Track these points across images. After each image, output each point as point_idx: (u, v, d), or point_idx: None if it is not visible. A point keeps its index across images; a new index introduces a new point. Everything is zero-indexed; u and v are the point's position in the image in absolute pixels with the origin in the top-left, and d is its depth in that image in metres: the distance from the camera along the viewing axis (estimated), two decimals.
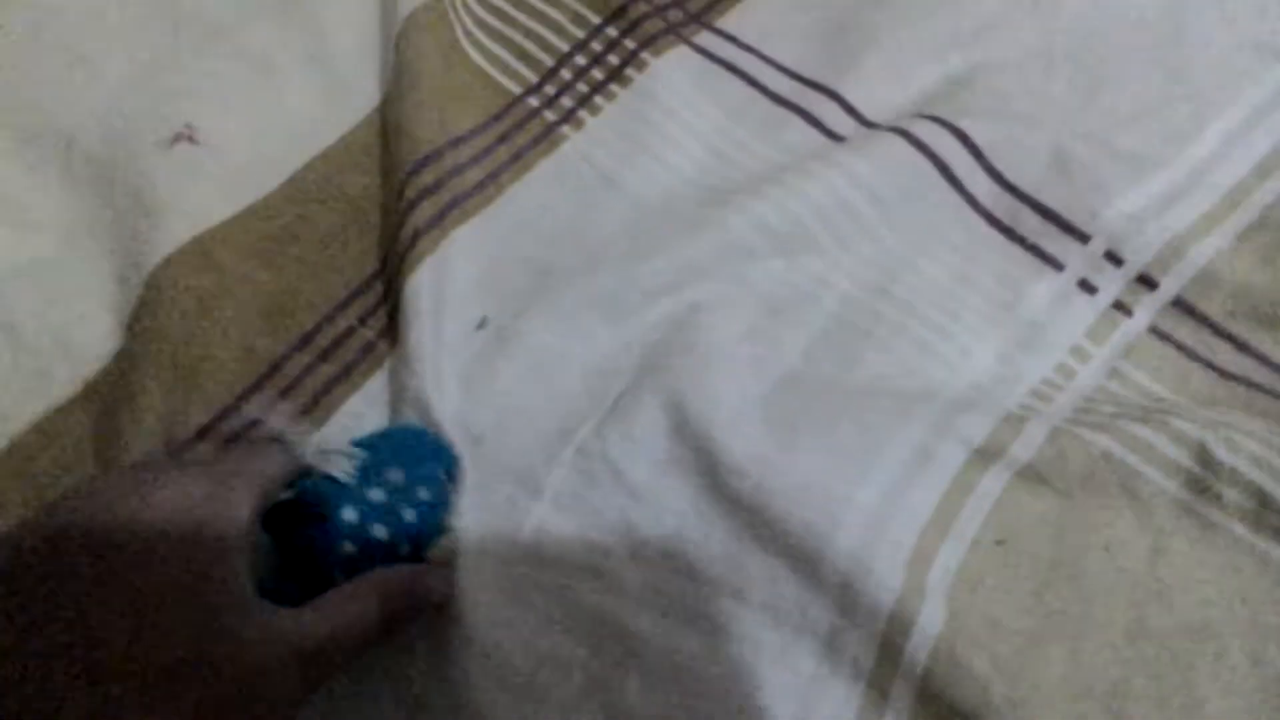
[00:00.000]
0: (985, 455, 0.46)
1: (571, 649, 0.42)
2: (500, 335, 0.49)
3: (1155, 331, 0.51)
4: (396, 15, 0.58)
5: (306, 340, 0.49)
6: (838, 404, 0.47)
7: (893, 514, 0.44)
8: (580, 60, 0.60)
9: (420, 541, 0.43)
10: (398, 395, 0.48)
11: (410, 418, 0.46)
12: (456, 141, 0.55)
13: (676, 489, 0.45)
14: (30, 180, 0.52)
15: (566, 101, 0.58)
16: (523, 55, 0.60)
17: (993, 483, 0.45)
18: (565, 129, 0.57)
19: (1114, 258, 0.52)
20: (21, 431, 0.46)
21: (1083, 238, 0.52)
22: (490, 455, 0.46)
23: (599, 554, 0.44)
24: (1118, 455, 0.45)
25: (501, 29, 0.61)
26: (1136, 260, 0.51)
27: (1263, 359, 0.49)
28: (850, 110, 0.58)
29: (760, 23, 0.62)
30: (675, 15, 0.62)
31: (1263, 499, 0.43)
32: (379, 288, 0.52)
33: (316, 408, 0.47)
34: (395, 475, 0.42)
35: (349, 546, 0.40)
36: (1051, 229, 0.53)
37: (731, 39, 0.61)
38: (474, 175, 0.54)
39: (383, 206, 0.54)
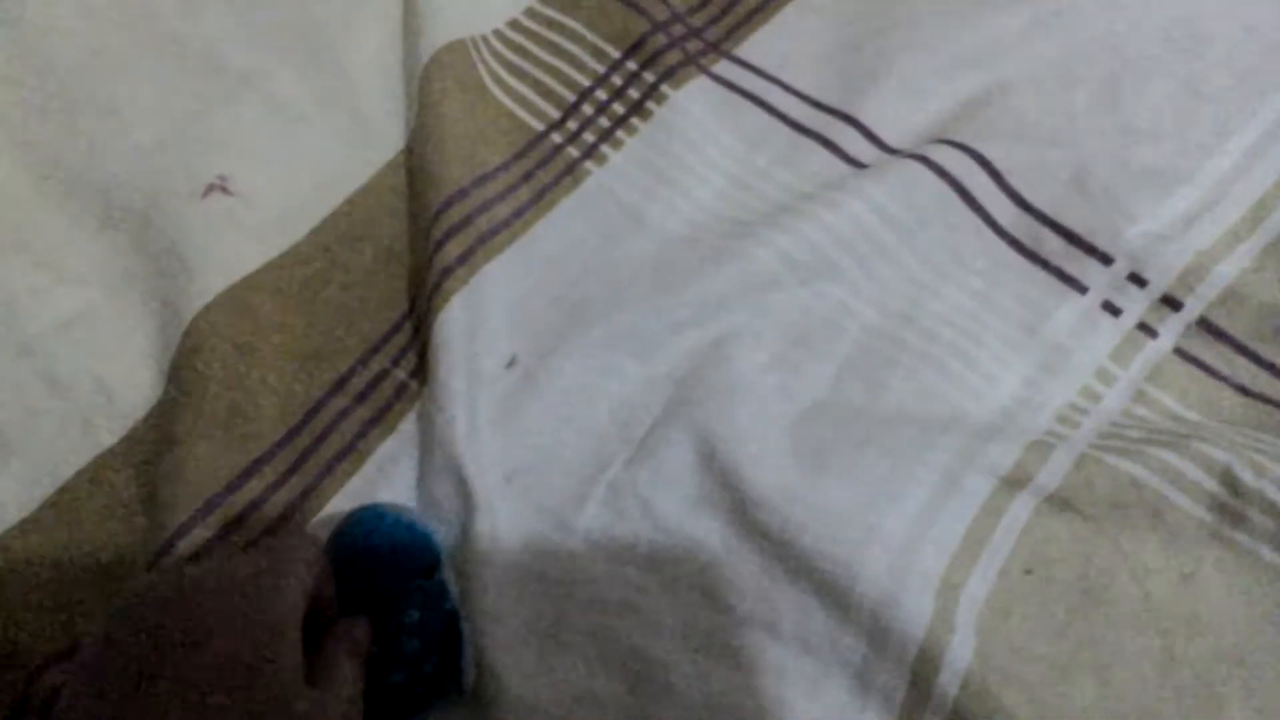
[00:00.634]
0: (1012, 483, 0.46)
1: (608, 688, 0.43)
2: (529, 373, 0.50)
3: (1180, 352, 0.51)
4: (419, 56, 0.59)
5: (341, 384, 0.50)
6: (863, 433, 0.48)
7: (920, 544, 0.44)
8: (601, 95, 0.60)
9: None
10: (427, 433, 0.49)
11: (439, 458, 0.47)
12: (482, 179, 0.56)
13: (707, 524, 0.46)
14: (71, 233, 0.54)
15: (589, 137, 0.59)
16: (545, 92, 0.61)
17: (1020, 510, 0.46)
18: (588, 164, 0.58)
19: (1137, 278, 0.52)
20: (68, 480, 0.48)
21: (1105, 259, 0.52)
22: (522, 493, 0.47)
23: (631, 589, 0.45)
24: (1144, 481, 0.45)
25: (523, 66, 0.62)
26: (1160, 280, 0.51)
27: None
28: (869, 136, 0.58)
29: (778, 50, 0.63)
30: (694, 45, 0.62)
31: None
32: (409, 329, 0.52)
33: (352, 453, 0.48)
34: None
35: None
36: (1074, 250, 0.53)
37: (750, 67, 0.62)
38: (500, 212, 0.55)
39: (411, 248, 0.55)
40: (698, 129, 0.59)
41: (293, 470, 0.47)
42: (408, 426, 0.49)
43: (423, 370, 0.50)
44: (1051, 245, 0.53)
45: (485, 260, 0.53)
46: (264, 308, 0.51)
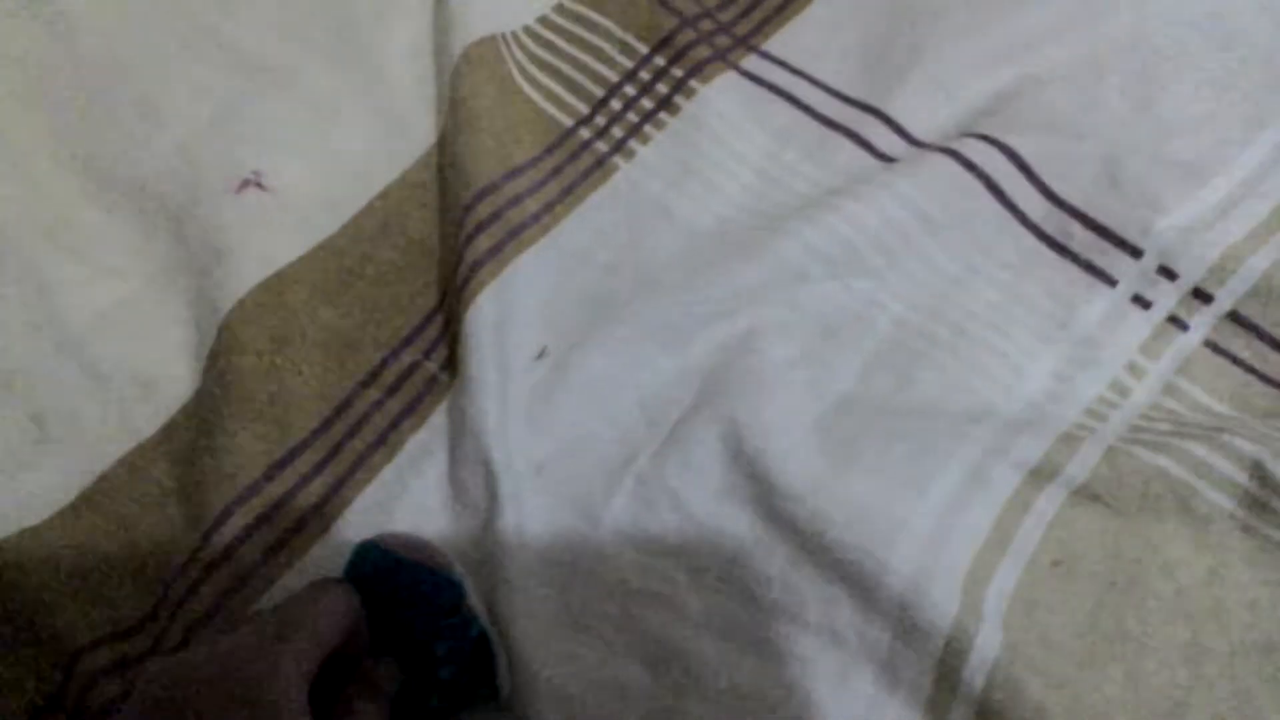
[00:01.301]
0: (1040, 475, 0.46)
1: (633, 675, 0.43)
2: (560, 365, 0.50)
3: (1210, 345, 0.51)
4: (450, 51, 0.60)
5: (374, 376, 0.51)
6: (892, 426, 0.48)
7: (948, 536, 0.45)
8: (629, 90, 0.61)
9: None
10: (458, 425, 0.49)
11: (469, 449, 0.48)
12: (512, 174, 0.56)
13: (734, 515, 0.46)
14: (108, 227, 0.55)
15: (617, 132, 0.60)
16: (573, 87, 0.61)
17: (1048, 503, 0.46)
18: (617, 159, 0.59)
19: (1168, 271, 0.52)
20: (106, 470, 0.49)
21: (1135, 252, 0.52)
22: (551, 484, 0.48)
23: (659, 579, 0.45)
24: (1174, 474, 0.45)
25: (552, 62, 0.62)
26: (1190, 274, 0.51)
27: None
28: (898, 130, 0.58)
29: (806, 44, 0.63)
30: (722, 40, 0.63)
31: None
32: (440, 321, 0.53)
33: (384, 444, 0.49)
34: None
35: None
36: (1103, 244, 0.53)
37: (778, 62, 0.62)
38: (530, 207, 0.56)
39: (442, 241, 0.56)
40: (726, 124, 0.59)
41: (326, 461, 0.48)
42: (439, 419, 0.50)
43: (454, 363, 0.51)
44: (1081, 238, 0.53)
45: (516, 254, 0.53)
46: (298, 301, 0.52)
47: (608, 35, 0.63)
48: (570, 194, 0.57)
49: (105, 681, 0.43)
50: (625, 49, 0.62)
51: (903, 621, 0.43)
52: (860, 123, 0.59)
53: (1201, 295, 0.51)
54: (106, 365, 0.51)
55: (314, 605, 0.37)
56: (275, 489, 0.46)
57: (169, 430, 0.50)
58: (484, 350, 0.49)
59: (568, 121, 0.60)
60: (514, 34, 0.63)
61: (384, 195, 0.57)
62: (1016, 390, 0.50)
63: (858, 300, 0.53)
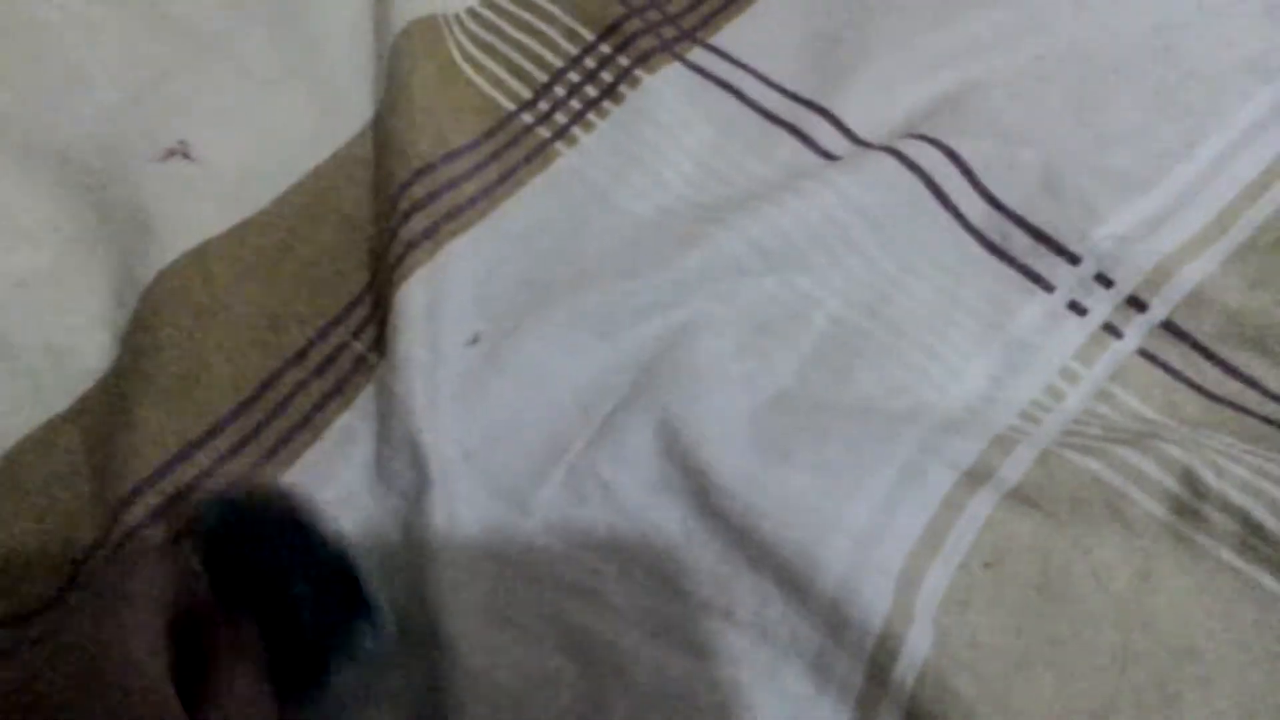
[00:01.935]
0: (974, 477, 0.46)
1: (560, 667, 0.42)
2: (493, 351, 0.49)
3: (1144, 354, 0.51)
4: (391, 28, 0.59)
5: (300, 356, 0.49)
6: (828, 423, 0.48)
7: (881, 535, 0.44)
8: (574, 77, 0.60)
9: None
10: (385, 406, 0.48)
11: (396, 431, 0.46)
12: (450, 156, 0.55)
13: (667, 509, 0.46)
14: (25, 194, 0.52)
15: (560, 118, 0.59)
16: (517, 71, 0.60)
17: (981, 505, 0.45)
18: (559, 145, 0.58)
19: (1104, 279, 0.52)
20: (15, 445, 0.46)
21: (1073, 259, 0.52)
22: (481, 471, 0.46)
23: (588, 572, 0.44)
24: (1106, 479, 0.45)
25: (496, 44, 0.61)
26: (1126, 282, 0.51)
27: (1251, 382, 0.50)
28: (842, 128, 0.58)
29: (753, 39, 0.62)
30: (668, 31, 0.62)
31: (1250, 525, 0.44)
32: (370, 302, 0.52)
33: (309, 426, 0.47)
34: None
35: None
36: (1042, 249, 0.53)
37: (724, 55, 0.62)
38: (468, 190, 0.54)
39: (375, 221, 0.54)
40: (670, 114, 0.59)
41: (246, 441, 0.46)
42: (366, 400, 0.49)
43: (382, 344, 0.49)
44: (1020, 243, 0.53)
45: (451, 237, 0.52)
46: (222, 275, 0.50)
47: (553, 20, 0.62)
48: (510, 178, 0.56)
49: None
50: (570, 35, 0.61)
51: (835, 619, 0.42)
52: (804, 119, 0.59)
53: (1136, 304, 0.51)
54: (17, 336, 0.49)
55: (136, 574, 0.34)
56: (188, 470, 0.45)
57: (83, 403, 0.47)
58: (415, 332, 0.48)
59: (510, 105, 0.59)
60: (456, 15, 0.62)
61: (316, 172, 0.55)
62: (952, 391, 0.50)
63: (796, 296, 0.53)
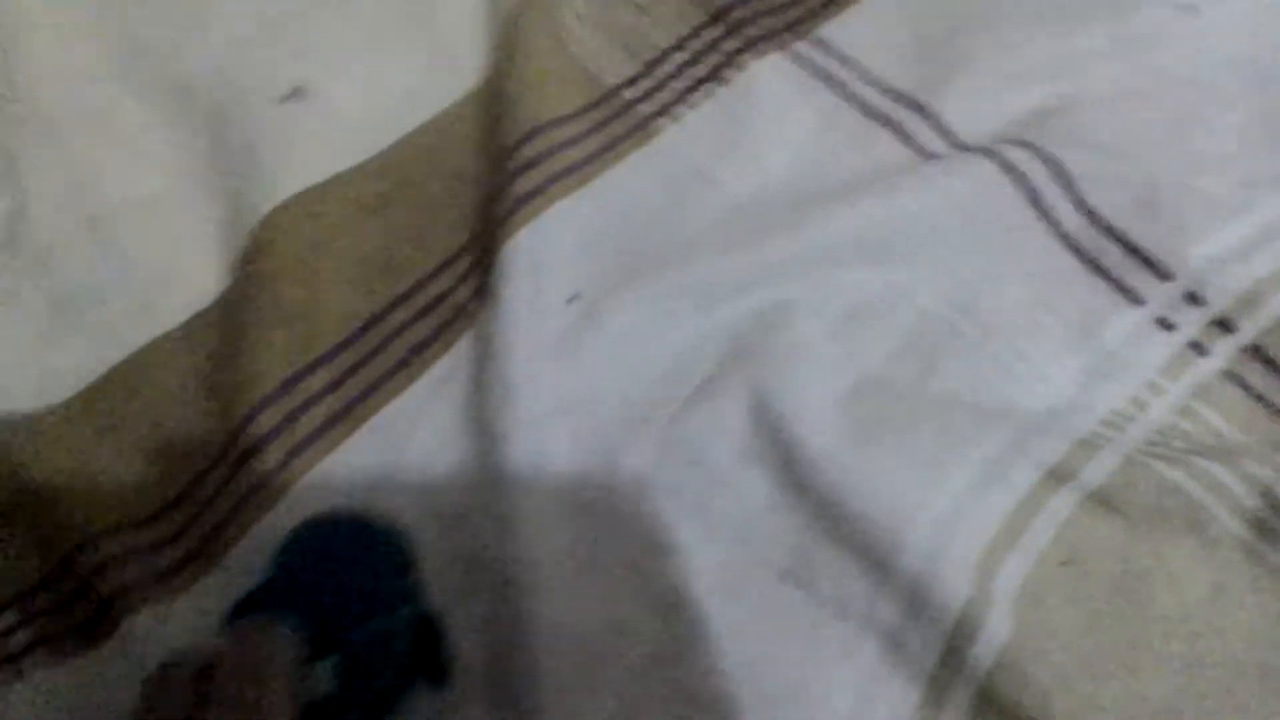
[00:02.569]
0: (1057, 476, 0.46)
1: (640, 620, 0.43)
2: (590, 311, 0.50)
3: (1229, 374, 0.51)
4: None
5: (404, 299, 0.50)
6: (915, 412, 0.48)
7: (962, 523, 0.45)
8: (680, 57, 0.61)
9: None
10: (484, 353, 0.49)
11: (493, 379, 0.47)
12: (557, 123, 0.56)
13: (753, 479, 0.46)
14: (149, 119, 0.54)
15: (664, 96, 0.60)
16: (625, 47, 0.61)
17: (1062, 504, 0.46)
18: (662, 121, 0.58)
19: (1194, 298, 0.52)
20: (129, 356, 0.48)
21: (1165, 275, 0.53)
22: (572, 426, 0.47)
23: (672, 532, 0.45)
24: (1188, 490, 0.46)
25: (606, 20, 0.62)
26: (1216, 303, 0.52)
27: None
28: (941, 128, 0.59)
29: (858, 35, 0.63)
30: (775, 21, 0.63)
31: None
32: (473, 254, 0.53)
33: (408, 366, 0.49)
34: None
35: None
36: (1135, 264, 0.53)
37: (829, 49, 0.62)
38: (572, 156, 0.55)
39: (479, 178, 0.55)
40: (773, 101, 0.60)
41: (350, 374, 0.48)
42: (464, 347, 0.50)
43: (484, 294, 0.51)
44: (1113, 256, 0.54)
45: (556, 197, 0.53)
46: (332, 216, 0.52)
47: (662, 1, 0.63)
48: (612, 150, 0.57)
49: (114, 569, 0.42)
50: (680, 17, 0.62)
51: (914, 599, 0.43)
52: (904, 116, 0.59)
53: (1225, 325, 0.52)
54: (135, 254, 0.50)
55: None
56: (300, 394, 0.46)
57: (192, 326, 0.49)
58: (518, 284, 0.49)
59: (616, 79, 0.60)
60: None
61: (426, 125, 0.57)
62: (1038, 393, 0.51)
63: (887, 288, 0.53)
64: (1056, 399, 0.51)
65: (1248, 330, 0.51)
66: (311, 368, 0.47)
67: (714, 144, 0.58)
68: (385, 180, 0.54)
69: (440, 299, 0.51)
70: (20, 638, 0.41)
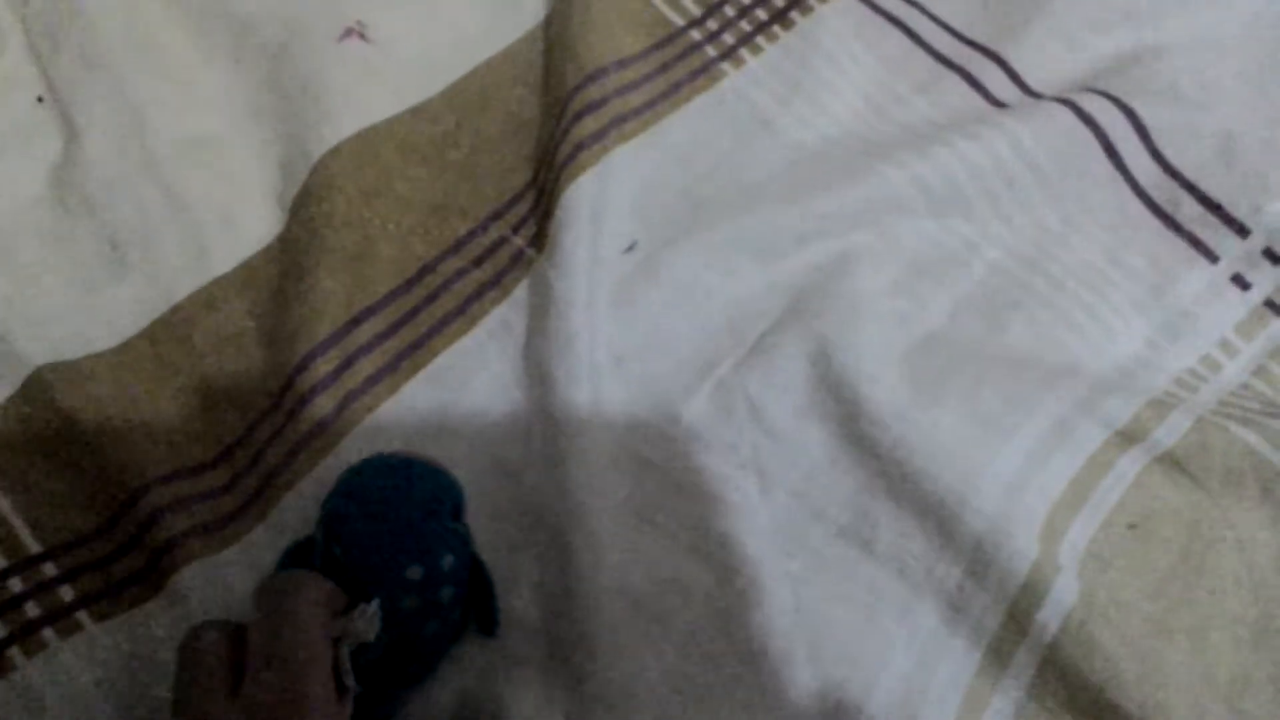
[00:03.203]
0: (1126, 436, 0.45)
1: (696, 574, 0.43)
2: (649, 261, 0.49)
3: None
4: None
5: (460, 245, 0.50)
6: (981, 369, 0.47)
7: (1028, 484, 0.44)
8: None
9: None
10: (542, 301, 0.48)
11: (552, 326, 0.46)
12: (621, 64, 0.55)
13: (814, 433, 0.46)
14: (204, 59, 0.53)
15: (728, 38, 0.58)
16: None
17: (1129, 465, 0.45)
18: (725, 65, 0.57)
19: (1272, 254, 0.51)
20: (181, 301, 0.47)
21: (1242, 230, 0.51)
22: (630, 376, 0.47)
23: (730, 486, 0.45)
24: (1261, 452, 0.45)
25: None
26: None
27: None
28: (1014, 76, 0.57)
29: None
30: None
31: None
32: (531, 198, 0.52)
33: (465, 314, 0.48)
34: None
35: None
36: (1211, 219, 0.52)
37: None
38: (635, 100, 0.54)
39: (539, 120, 0.54)
40: (840, 45, 0.58)
41: (404, 322, 0.47)
42: (521, 294, 0.49)
43: (541, 240, 0.50)
44: (1189, 210, 0.52)
45: (618, 142, 0.52)
46: (391, 158, 0.51)
47: None
48: (675, 94, 0.56)
49: (169, 516, 0.42)
50: None
51: (978, 561, 0.42)
52: (976, 63, 0.57)
53: None
54: (189, 195, 0.49)
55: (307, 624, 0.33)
56: (355, 340, 0.45)
57: (247, 269, 0.48)
58: (579, 231, 0.48)
59: (680, 21, 0.58)
60: None
61: (487, 66, 0.55)
62: (1108, 352, 0.50)
63: (956, 240, 0.52)
64: (1126, 358, 0.50)
65: None
66: (366, 314, 0.46)
67: (777, 89, 0.56)
68: (443, 122, 0.53)
69: (497, 245, 0.50)
70: (72, 590, 0.41)
